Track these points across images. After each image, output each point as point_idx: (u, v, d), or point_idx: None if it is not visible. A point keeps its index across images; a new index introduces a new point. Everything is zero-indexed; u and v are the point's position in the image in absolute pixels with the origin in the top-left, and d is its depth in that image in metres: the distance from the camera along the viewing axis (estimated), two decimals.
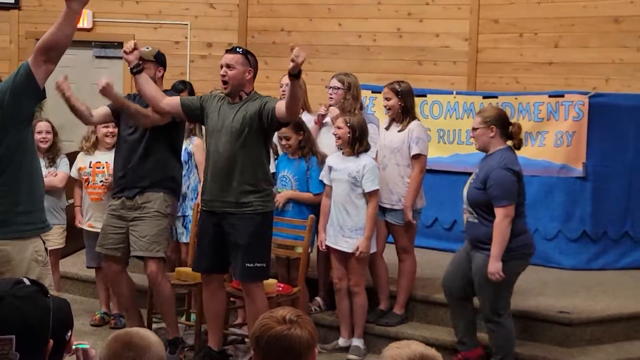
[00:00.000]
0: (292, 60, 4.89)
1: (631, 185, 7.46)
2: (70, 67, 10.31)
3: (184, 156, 6.23)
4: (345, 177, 5.83)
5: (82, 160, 6.70)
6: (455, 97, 7.92)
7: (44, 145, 6.59)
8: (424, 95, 7.98)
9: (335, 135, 5.90)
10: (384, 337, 5.92)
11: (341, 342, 6.02)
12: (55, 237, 6.59)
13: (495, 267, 5.17)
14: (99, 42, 10.24)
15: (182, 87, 7.11)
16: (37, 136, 6.43)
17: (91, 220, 6.60)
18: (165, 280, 5.77)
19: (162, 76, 5.93)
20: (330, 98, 6.45)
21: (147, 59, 5.75)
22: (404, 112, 6.10)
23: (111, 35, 10.15)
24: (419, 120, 6.25)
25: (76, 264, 7.39)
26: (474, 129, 5.44)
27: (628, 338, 6.01)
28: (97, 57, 10.27)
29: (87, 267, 6.81)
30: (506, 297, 5.40)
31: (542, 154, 7.37)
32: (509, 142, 5.42)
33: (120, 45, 10.02)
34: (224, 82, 5.41)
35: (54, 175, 6.59)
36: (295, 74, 4.96)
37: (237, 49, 5.55)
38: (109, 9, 10.11)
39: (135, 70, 5.55)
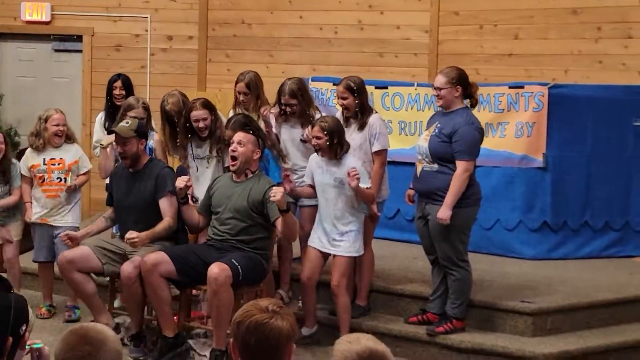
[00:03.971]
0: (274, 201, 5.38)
1: (590, 175, 7.53)
2: (30, 60, 10.22)
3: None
4: (331, 181, 5.84)
5: (33, 158, 6.59)
6: (416, 89, 7.93)
7: None
8: (385, 88, 8.00)
9: (314, 146, 5.89)
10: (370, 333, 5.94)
11: (304, 331, 6.03)
12: (14, 229, 6.57)
13: (447, 214, 5.50)
14: (57, 36, 10.10)
15: (116, 77, 7.11)
16: None
17: (47, 217, 6.55)
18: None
19: (145, 147, 6.09)
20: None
21: (128, 136, 5.90)
22: (361, 110, 6.09)
23: (70, 28, 10.02)
24: (375, 112, 6.26)
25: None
26: (439, 89, 5.66)
27: (588, 327, 6.07)
28: (56, 50, 10.14)
29: (33, 261, 6.75)
30: (466, 242, 5.76)
31: (502, 145, 7.42)
32: (467, 101, 5.75)
33: (79, 38, 9.93)
34: (233, 158, 5.78)
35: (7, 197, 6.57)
36: (284, 210, 5.43)
37: (250, 130, 5.89)
38: (67, 2, 9.98)
39: (182, 202, 5.88)
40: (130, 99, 6.69)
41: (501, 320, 5.97)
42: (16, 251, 6.67)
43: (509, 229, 7.49)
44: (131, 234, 5.65)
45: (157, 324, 5.91)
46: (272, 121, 6.37)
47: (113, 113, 6.90)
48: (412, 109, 7.88)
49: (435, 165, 5.63)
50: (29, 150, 6.67)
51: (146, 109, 6.61)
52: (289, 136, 6.41)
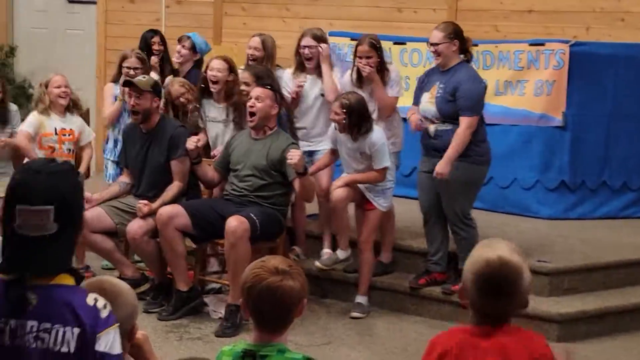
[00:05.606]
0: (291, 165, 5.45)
1: (609, 135, 7.44)
2: (43, 11, 10.14)
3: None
4: (357, 154, 5.80)
5: (43, 125, 6.42)
6: None
7: None
8: (404, 43, 7.90)
9: (333, 121, 5.83)
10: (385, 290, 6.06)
11: (340, 254, 5.96)
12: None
13: (447, 169, 5.49)
14: None
15: (152, 34, 7.11)
16: None
17: None
18: None
19: (158, 106, 6.03)
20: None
21: (145, 89, 5.83)
22: (382, 68, 6.03)
23: None
24: (391, 62, 6.24)
25: None
26: (435, 45, 5.62)
27: (606, 287, 6.05)
28: (70, 1, 10.04)
29: None
30: (473, 200, 5.82)
31: (521, 103, 7.33)
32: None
33: None
34: (251, 114, 5.72)
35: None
36: (302, 172, 5.48)
37: (267, 85, 5.83)
38: None
39: (195, 162, 5.90)
40: (126, 51, 6.69)
41: None
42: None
43: (526, 188, 7.43)
44: (142, 206, 5.68)
45: (172, 278, 5.91)
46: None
47: (162, 67, 7.04)
48: (430, 65, 7.77)
49: (449, 125, 5.59)
50: (35, 114, 6.47)
51: (141, 59, 6.57)
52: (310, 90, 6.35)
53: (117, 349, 2.32)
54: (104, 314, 2.31)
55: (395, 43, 7.80)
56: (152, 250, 5.79)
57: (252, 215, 5.52)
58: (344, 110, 5.66)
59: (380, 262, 6.20)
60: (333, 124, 5.87)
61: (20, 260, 2.29)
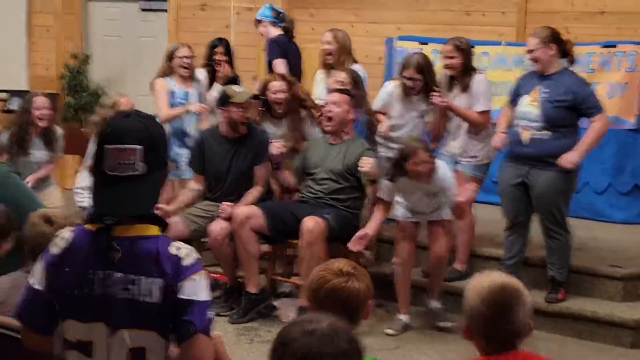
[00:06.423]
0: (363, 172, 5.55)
1: None
2: (116, 20, 10.34)
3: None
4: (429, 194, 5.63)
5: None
6: (504, 48, 7.78)
7: (41, 124, 6.52)
8: (472, 47, 7.84)
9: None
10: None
11: (405, 318, 5.76)
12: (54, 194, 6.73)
13: (576, 161, 5.43)
14: None
15: (217, 43, 7.21)
16: (35, 112, 6.40)
17: None
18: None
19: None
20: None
21: (250, 99, 5.99)
22: (464, 71, 6.00)
23: None
24: (480, 72, 6.15)
25: None
26: (532, 51, 5.53)
27: None
28: (143, 9, 10.22)
29: None
30: (568, 206, 5.73)
31: None
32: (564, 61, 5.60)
33: None
34: (329, 119, 5.79)
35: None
36: (373, 179, 5.58)
37: (344, 90, 5.90)
38: None
39: (277, 167, 6.09)
40: (171, 45, 7.00)
41: (590, 285, 5.86)
42: None
43: (598, 192, 7.34)
44: (227, 207, 5.76)
45: (242, 282, 5.97)
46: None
47: (211, 78, 7.09)
48: (499, 68, 7.73)
49: (548, 132, 5.50)
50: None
51: (188, 46, 6.85)
52: (404, 111, 6.22)
53: (203, 295, 2.35)
54: (187, 261, 2.35)
55: None
56: (231, 253, 5.87)
57: (328, 216, 5.58)
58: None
59: (454, 268, 6.15)
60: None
61: (110, 201, 2.36)
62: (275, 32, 7.08)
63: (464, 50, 5.97)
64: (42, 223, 3.39)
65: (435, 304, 5.82)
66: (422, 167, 5.33)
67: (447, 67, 6.03)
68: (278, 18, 7.15)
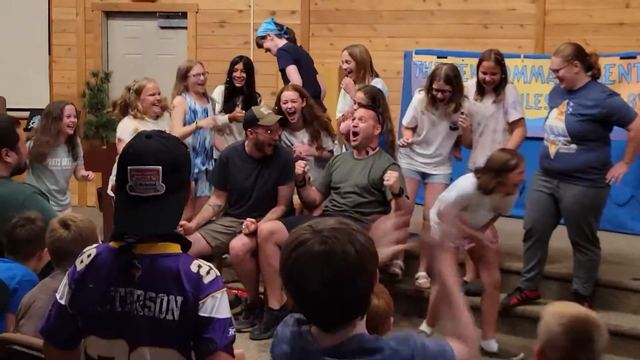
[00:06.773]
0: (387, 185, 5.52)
1: None
2: (136, 38, 10.41)
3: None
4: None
5: (137, 130, 6.48)
6: (522, 61, 7.79)
7: (70, 131, 6.49)
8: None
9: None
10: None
11: (487, 345, 5.54)
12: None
13: (623, 172, 5.49)
14: (163, 13, 10.25)
15: (237, 60, 7.24)
16: (65, 120, 6.42)
17: None
18: None
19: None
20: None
21: (275, 121, 5.97)
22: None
23: (175, 5, 10.16)
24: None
25: None
26: (556, 70, 5.52)
27: None
28: (162, 27, 10.29)
29: None
30: (599, 221, 5.73)
31: None
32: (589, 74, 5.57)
33: (184, 15, 10.06)
34: (355, 134, 5.83)
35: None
36: (398, 193, 5.51)
37: (370, 106, 5.94)
38: None
39: (301, 185, 6.00)
40: (181, 64, 7.01)
41: (613, 298, 5.82)
42: None
43: (620, 204, 7.30)
44: (250, 223, 5.78)
45: (264, 296, 5.98)
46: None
47: (231, 95, 7.10)
48: (518, 81, 7.73)
49: (574, 146, 5.50)
50: (130, 119, 6.62)
51: (200, 63, 6.96)
52: (431, 123, 6.24)
53: (224, 313, 2.37)
54: (207, 279, 2.37)
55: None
56: (252, 268, 5.88)
57: None
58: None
59: (466, 282, 6.12)
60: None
61: (131, 221, 2.40)
62: (282, 42, 7.14)
63: (503, 63, 6.01)
64: (59, 228, 3.47)
65: (492, 345, 5.55)
66: (522, 177, 5.28)
67: (487, 82, 6.01)
68: (282, 30, 7.20)
